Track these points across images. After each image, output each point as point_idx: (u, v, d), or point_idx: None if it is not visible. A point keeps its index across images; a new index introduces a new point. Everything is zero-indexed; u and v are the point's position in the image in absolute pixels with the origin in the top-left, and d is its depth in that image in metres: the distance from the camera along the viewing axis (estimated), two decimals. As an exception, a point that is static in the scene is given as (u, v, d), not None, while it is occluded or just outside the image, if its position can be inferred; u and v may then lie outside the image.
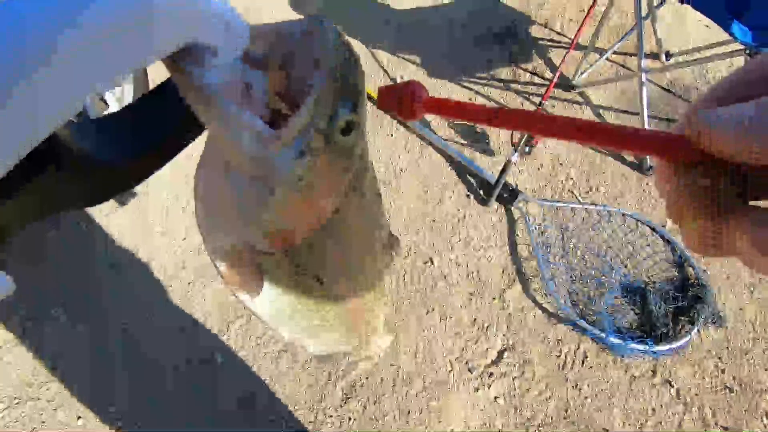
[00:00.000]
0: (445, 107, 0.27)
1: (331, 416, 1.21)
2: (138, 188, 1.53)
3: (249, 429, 1.19)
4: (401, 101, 0.28)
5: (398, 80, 1.85)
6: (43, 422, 1.20)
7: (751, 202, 0.19)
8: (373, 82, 1.82)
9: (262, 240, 0.30)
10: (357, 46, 1.93)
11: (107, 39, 0.17)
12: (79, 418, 1.21)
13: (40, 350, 1.29)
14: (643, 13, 1.52)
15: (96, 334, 1.31)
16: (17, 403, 1.22)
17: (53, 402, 1.23)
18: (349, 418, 1.21)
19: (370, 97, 1.76)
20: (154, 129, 0.30)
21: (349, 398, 1.23)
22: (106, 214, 1.48)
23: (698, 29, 2.03)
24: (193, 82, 0.23)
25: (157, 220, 1.46)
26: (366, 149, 0.32)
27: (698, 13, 1.38)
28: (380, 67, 1.87)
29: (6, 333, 1.30)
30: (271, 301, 0.35)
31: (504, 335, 1.33)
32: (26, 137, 0.17)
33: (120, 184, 0.31)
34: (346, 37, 0.26)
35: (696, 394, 1.24)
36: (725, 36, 1.39)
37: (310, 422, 1.20)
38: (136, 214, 1.48)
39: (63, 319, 1.33)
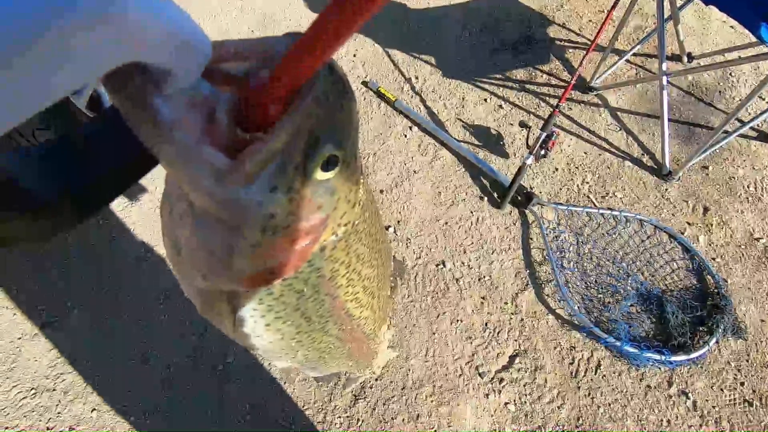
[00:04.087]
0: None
1: (339, 417, 1.21)
2: (150, 184, 1.55)
3: (258, 429, 1.19)
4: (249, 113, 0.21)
5: (413, 80, 1.84)
6: (59, 413, 1.23)
7: None
8: (387, 81, 1.82)
9: (236, 284, 0.27)
10: (371, 45, 1.92)
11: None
12: (93, 410, 1.23)
13: (57, 343, 1.31)
14: (666, 15, 1.48)
15: (112, 329, 1.33)
16: (33, 394, 1.25)
17: (69, 393, 1.25)
18: (358, 420, 1.21)
19: (383, 96, 1.75)
20: (103, 161, 0.25)
21: (358, 400, 1.22)
22: (121, 209, 1.50)
23: (722, 30, 1.97)
24: (142, 112, 0.19)
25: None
26: (363, 181, 0.29)
27: (723, 13, 1.34)
28: (395, 67, 1.86)
29: (25, 324, 1.33)
30: (261, 336, 0.32)
31: (516, 340, 1.31)
32: None
33: (65, 222, 0.26)
34: (335, 61, 0.22)
35: (713, 407, 1.21)
36: (751, 38, 1.35)
37: (319, 422, 1.20)
38: (152, 210, 1.50)
39: (81, 312, 1.35)
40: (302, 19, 1.97)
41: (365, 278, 0.35)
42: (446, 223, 1.50)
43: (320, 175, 0.23)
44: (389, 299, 0.42)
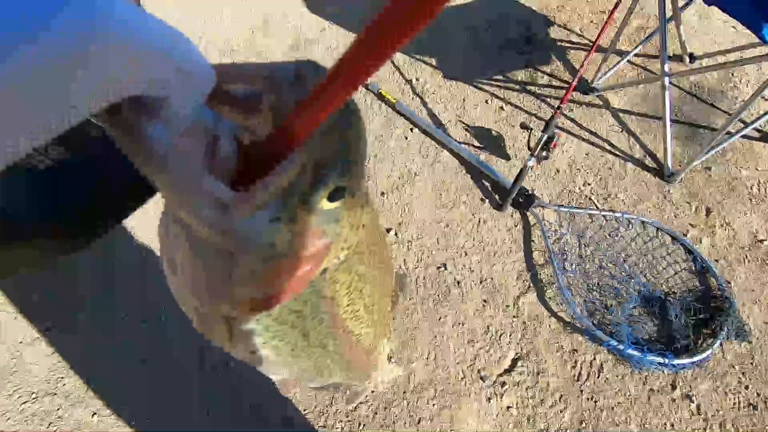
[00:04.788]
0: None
1: (341, 421, 1.20)
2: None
3: (260, 430, 1.19)
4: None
5: (414, 82, 1.84)
6: (60, 418, 1.23)
7: None
8: (387, 83, 1.81)
9: (233, 309, 0.26)
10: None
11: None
12: (94, 414, 1.23)
13: (58, 346, 1.31)
14: (667, 15, 1.47)
15: (113, 333, 1.33)
16: (35, 398, 1.25)
17: (70, 398, 1.25)
18: (359, 424, 1.20)
19: (384, 98, 1.75)
20: (90, 190, 0.23)
21: (359, 403, 1.22)
22: (123, 214, 1.50)
23: (724, 30, 1.96)
24: (137, 140, 0.17)
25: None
26: (368, 200, 0.28)
27: (725, 14, 1.33)
28: (395, 68, 1.86)
29: (26, 328, 1.33)
30: (257, 352, 0.32)
31: (518, 344, 1.30)
32: None
33: (64, 248, 0.25)
34: None
35: (717, 410, 1.20)
36: (753, 38, 1.34)
37: (320, 426, 1.20)
38: (153, 211, 1.50)
39: (82, 317, 1.35)
40: (303, 19, 1.97)
41: (366, 295, 0.34)
42: (447, 225, 1.49)
43: (325, 205, 0.22)
44: (390, 313, 0.42)
